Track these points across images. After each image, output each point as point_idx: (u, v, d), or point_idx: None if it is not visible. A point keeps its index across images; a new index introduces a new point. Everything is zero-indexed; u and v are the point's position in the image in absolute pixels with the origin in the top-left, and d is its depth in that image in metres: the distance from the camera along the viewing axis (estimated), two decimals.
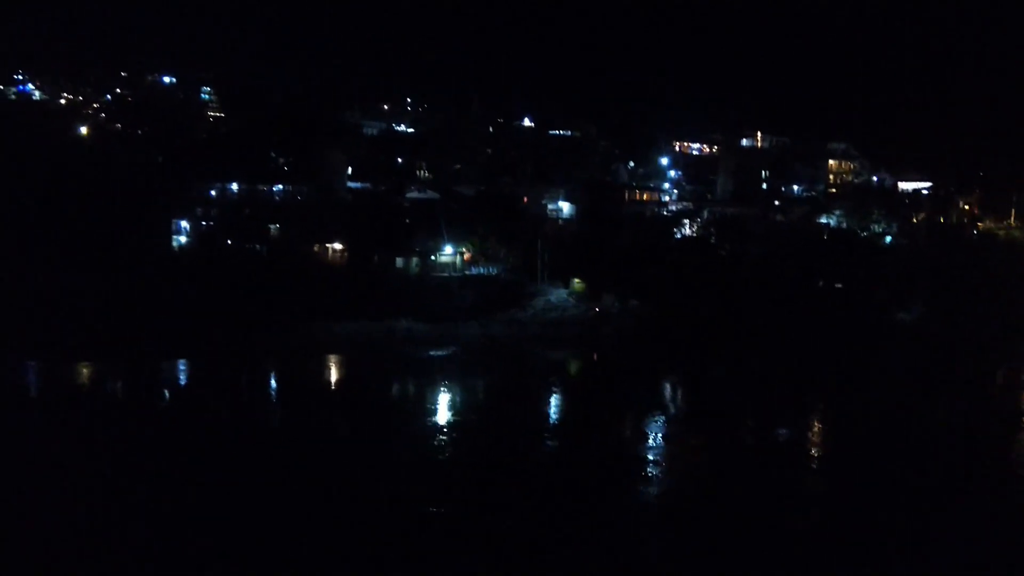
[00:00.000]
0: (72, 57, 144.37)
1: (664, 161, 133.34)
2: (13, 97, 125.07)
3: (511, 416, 59.65)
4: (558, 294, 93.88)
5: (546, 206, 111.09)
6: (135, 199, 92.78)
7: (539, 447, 53.21)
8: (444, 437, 54.45)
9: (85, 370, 69.95)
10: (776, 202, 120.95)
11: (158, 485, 43.81)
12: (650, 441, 55.29)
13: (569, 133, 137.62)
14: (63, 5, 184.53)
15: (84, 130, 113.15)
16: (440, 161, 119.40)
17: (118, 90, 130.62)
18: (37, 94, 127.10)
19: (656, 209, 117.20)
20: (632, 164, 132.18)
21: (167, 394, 66.41)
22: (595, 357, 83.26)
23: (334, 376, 74.84)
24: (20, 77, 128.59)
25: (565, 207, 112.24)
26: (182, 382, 71.54)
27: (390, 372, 73.10)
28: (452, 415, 60.24)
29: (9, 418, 55.71)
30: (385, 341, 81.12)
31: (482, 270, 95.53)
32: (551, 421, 61.29)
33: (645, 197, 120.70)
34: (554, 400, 67.18)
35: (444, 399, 65.26)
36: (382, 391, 67.87)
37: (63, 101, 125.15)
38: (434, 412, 61.48)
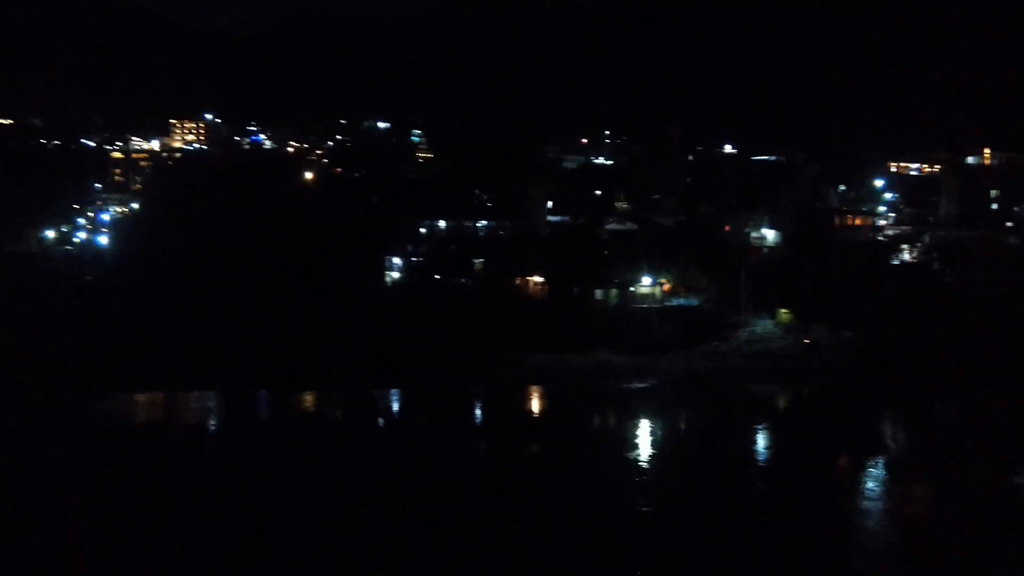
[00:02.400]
0: (298, 109, 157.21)
1: (879, 183, 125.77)
2: (247, 147, 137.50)
3: (715, 454, 57.54)
4: (763, 325, 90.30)
5: (749, 234, 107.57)
6: (353, 238, 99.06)
7: (746, 491, 50.60)
8: (645, 475, 53.35)
9: (308, 398, 74.90)
10: (1008, 224, 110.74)
11: (374, 506, 45.67)
12: (869, 487, 51.31)
13: (774, 158, 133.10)
14: (289, 62, 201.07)
15: (309, 175, 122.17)
16: (639, 191, 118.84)
17: (338, 137, 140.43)
18: (268, 143, 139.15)
19: (870, 234, 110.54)
20: (843, 187, 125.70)
21: (382, 422, 69.98)
22: (806, 392, 79.25)
23: (536, 407, 75.71)
24: (253, 128, 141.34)
25: (770, 234, 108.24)
26: (395, 410, 75.03)
27: (591, 404, 73.02)
28: (653, 451, 59.10)
29: (243, 441, 60.61)
30: (585, 373, 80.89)
31: (682, 301, 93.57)
32: (759, 461, 58.63)
33: (858, 222, 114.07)
34: (762, 438, 64.34)
35: (645, 434, 64.26)
36: (583, 424, 67.87)
37: (290, 149, 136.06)
38: (635, 447, 60.60)
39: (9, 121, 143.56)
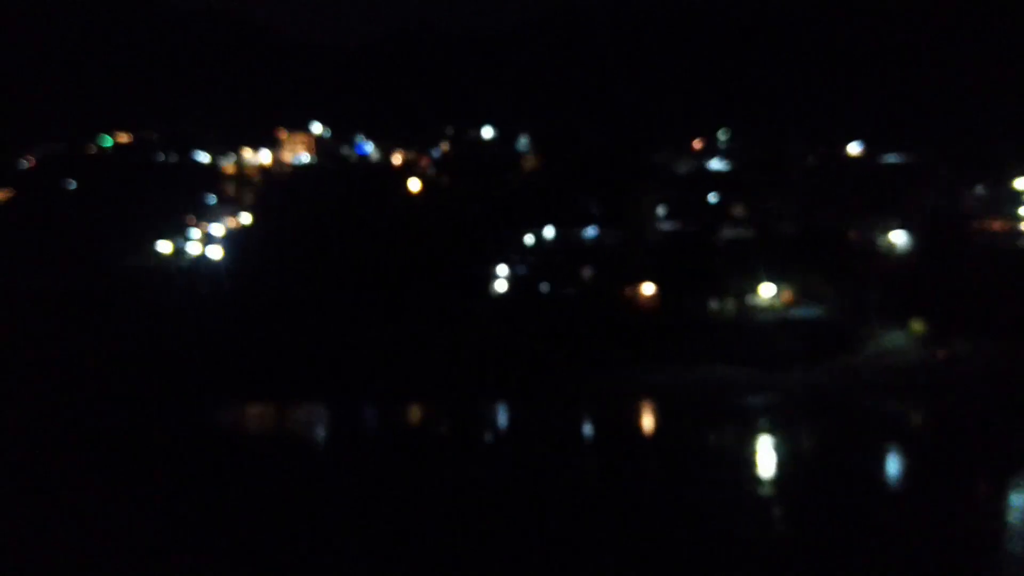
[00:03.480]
0: (404, 119, 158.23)
1: (1020, 185, 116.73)
2: (353, 158, 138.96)
3: (844, 477, 52.98)
4: (893, 337, 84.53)
5: (877, 240, 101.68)
6: (458, 248, 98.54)
7: (880, 517, 46.23)
8: (770, 498, 49.49)
9: (415, 410, 74.35)
10: None
11: (481, 525, 43.83)
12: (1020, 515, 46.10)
13: (904, 159, 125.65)
14: (396, 74, 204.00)
15: (414, 185, 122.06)
16: (756, 197, 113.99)
17: (443, 146, 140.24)
18: (374, 154, 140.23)
19: (1011, 239, 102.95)
20: (980, 189, 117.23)
21: (488, 436, 68.44)
22: (944, 409, 73.13)
23: (648, 423, 72.83)
24: (359, 140, 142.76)
25: (900, 240, 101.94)
26: (502, 424, 73.45)
27: (708, 421, 69.51)
28: (778, 472, 55.02)
29: (351, 453, 60.02)
30: (700, 387, 77.62)
31: (804, 312, 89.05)
32: (892, 485, 53.70)
33: (997, 226, 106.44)
34: (896, 459, 59.19)
35: (769, 453, 60.15)
36: (701, 441, 64.45)
37: (396, 160, 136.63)
38: (758, 467, 56.63)
39: (128, 137, 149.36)
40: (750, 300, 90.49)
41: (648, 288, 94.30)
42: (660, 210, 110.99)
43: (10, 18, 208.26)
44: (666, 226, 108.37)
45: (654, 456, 61.02)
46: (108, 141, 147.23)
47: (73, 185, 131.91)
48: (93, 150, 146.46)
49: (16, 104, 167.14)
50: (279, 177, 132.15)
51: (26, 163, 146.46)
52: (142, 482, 50.89)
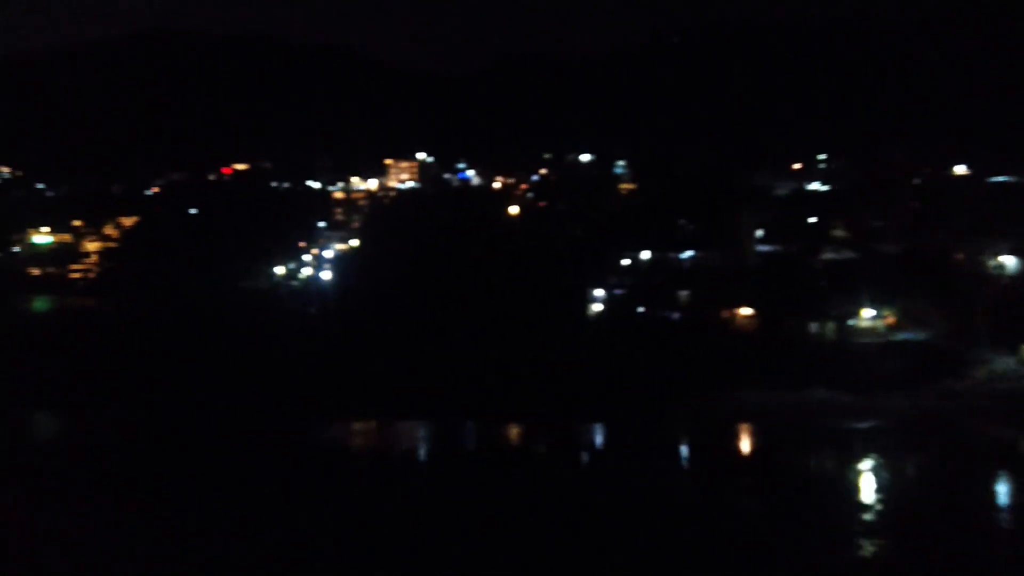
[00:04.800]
0: (505, 145, 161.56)
1: None
2: (456, 184, 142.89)
3: (955, 507, 51.78)
4: (1004, 362, 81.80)
5: (986, 262, 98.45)
6: (556, 270, 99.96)
7: (991, 549, 45.18)
8: (873, 525, 48.98)
9: (512, 430, 75.54)
10: None
11: (579, 549, 44.74)
12: None
13: (1014, 179, 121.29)
14: (497, 100, 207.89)
15: (514, 209, 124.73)
16: (858, 218, 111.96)
17: (542, 171, 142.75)
18: (475, 179, 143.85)
19: None
20: None
21: (585, 456, 69.32)
22: None
23: (747, 447, 72.32)
24: (462, 166, 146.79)
25: (1010, 262, 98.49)
26: (598, 445, 74.09)
27: (807, 445, 68.75)
28: (885, 500, 54.25)
29: (451, 471, 61.79)
30: (801, 412, 76.17)
31: (909, 335, 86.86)
32: (1004, 515, 52.43)
33: None
34: (1006, 488, 57.59)
35: (874, 480, 59.40)
36: (802, 466, 63.96)
37: (497, 184, 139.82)
38: (863, 495, 56.05)
39: (245, 165, 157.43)
40: (852, 323, 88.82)
41: (747, 310, 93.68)
42: (759, 232, 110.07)
43: (137, 56, 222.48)
44: (765, 248, 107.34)
45: (755, 481, 60.59)
46: (227, 171, 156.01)
47: (195, 211, 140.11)
48: (213, 178, 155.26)
49: (143, 136, 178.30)
50: (385, 202, 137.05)
51: (152, 191, 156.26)
52: (251, 495, 52.92)
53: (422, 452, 72.44)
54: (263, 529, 47.04)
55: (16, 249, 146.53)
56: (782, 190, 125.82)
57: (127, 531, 46.32)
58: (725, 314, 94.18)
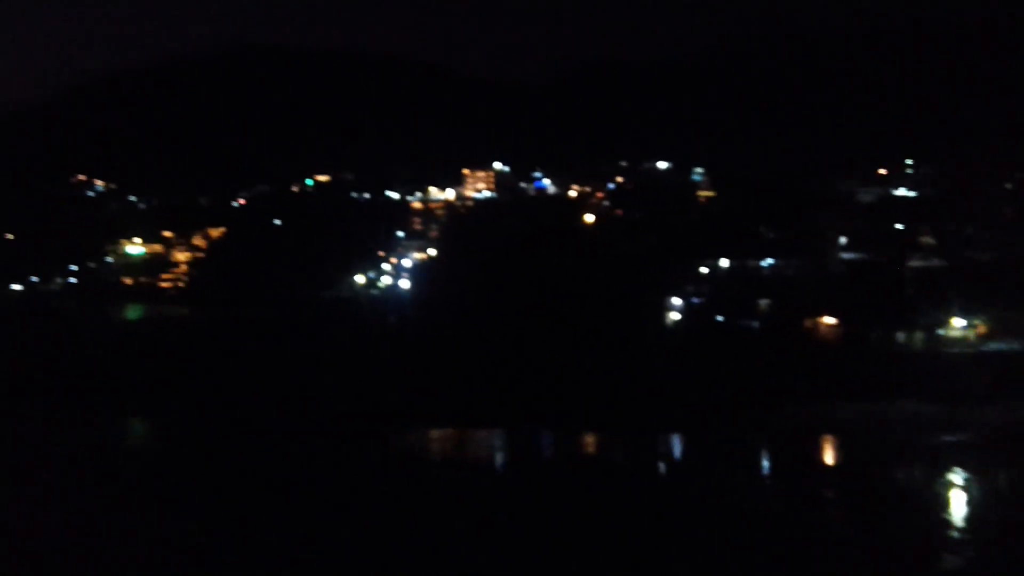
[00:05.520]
0: (581, 153, 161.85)
1: None
2: (532, 193, 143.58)
3: None
4: None
5: None
6: (632, 279, 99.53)
7: None
8: (962, 543, 47.32)
9: (590, 439, 75.38)
10: None
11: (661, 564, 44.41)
12: None
13: None
14: (573, 109, 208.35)
15: (590, 217, 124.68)
16: (947, 224, 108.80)
17: (619, 179, 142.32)
18: (551, 188, 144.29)
19: None
20: None
21: (662, 466, 68.73)
22: None
23: (831, 459, 70.68)
24: (537, 175, 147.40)
25: None
26: (676, 455, 73.36)
27: (895, 459, 66.78)
28: (971, 516, 52.40)
29: (529, 481, 61.99)
30: (889, 424, 74.06)
31: (1001, 345, 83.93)
32: None
33: None
34: None
35: (962, 496, 57.36)
36: (887, 480, 62.08)
37: (573, 193, 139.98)
38: (950, 510, 54.24)
39: (326, 177, 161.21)
40: (941, 332, 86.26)
41: (830, 319, 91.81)
42: (843, 239, 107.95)
43: (224, 73, 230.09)
44: (849, 255, 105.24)
45: (840, 495, 58.98)
46: (310, 182, 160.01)
47: (279, 221, 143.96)
48: (297, 189, 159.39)
49: (230, 149, 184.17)
50: (462, 212, 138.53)
51: (238, 202, 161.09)
52: (332, 502, 53.62)
53: (499, 461, 72.81)
54: (343, 533, 47.92)
55: (110, 259, 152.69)
56: (867, 196, 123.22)
57: (219, 533, 47.86)
58: (807, 323, 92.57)
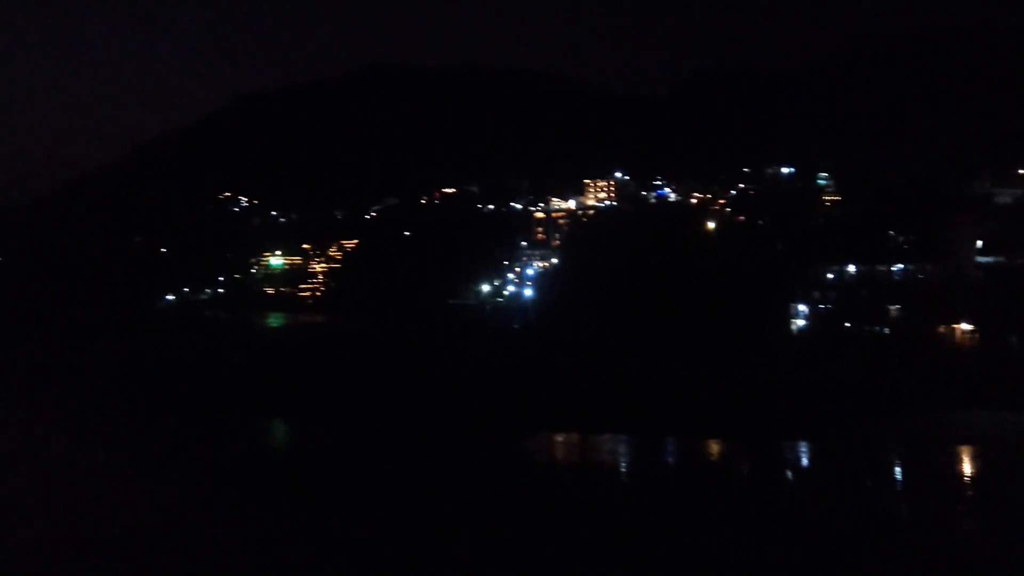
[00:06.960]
0: (702, 161, 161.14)
1: None
2: (653, 200, 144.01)
3: None
4: None
5: None
6: (756, 285, 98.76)
7: None
8: None
9: (714, 447, 75.13)
10: None
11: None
12: None
13: None
14: (693, 117, 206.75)
15: (711, 224, 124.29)
16: None
17: (741, 185, 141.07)
18: (672, 196, 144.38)
19: None
20: None
21: (789, 475, 68.14)
22: None
23: (967, 470, 68.48)
24: (658, 183, 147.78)
25: None
26: (803, 463, 72.40)
27: None
28: None
29: (655, 488, 62.68)
30: None
31: None
32: None
33: None
34: None
35: None
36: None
37: (694, 200, 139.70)
38: None
39: (453, 189, 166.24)
40: None
41: (965, 326, 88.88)
42: (978, 242, 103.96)
43: (355, 93, 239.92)
44: (986, 259, 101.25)
45: (975, 507, 57.78)
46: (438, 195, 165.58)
47: (408, 233, 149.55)
48: (425, 202, 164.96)
49: (362, 164, 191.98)
50: (584, 221, 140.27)
51: (371, 215, 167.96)
52: (462, 506, 55.36)
53: (623, 467, 73.25)
54: (472, 537, 49.76)
55: (253, 271, 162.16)
56: (1005, 198, 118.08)
57: (357, 533, 50.66)
58: (941, 329, 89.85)
